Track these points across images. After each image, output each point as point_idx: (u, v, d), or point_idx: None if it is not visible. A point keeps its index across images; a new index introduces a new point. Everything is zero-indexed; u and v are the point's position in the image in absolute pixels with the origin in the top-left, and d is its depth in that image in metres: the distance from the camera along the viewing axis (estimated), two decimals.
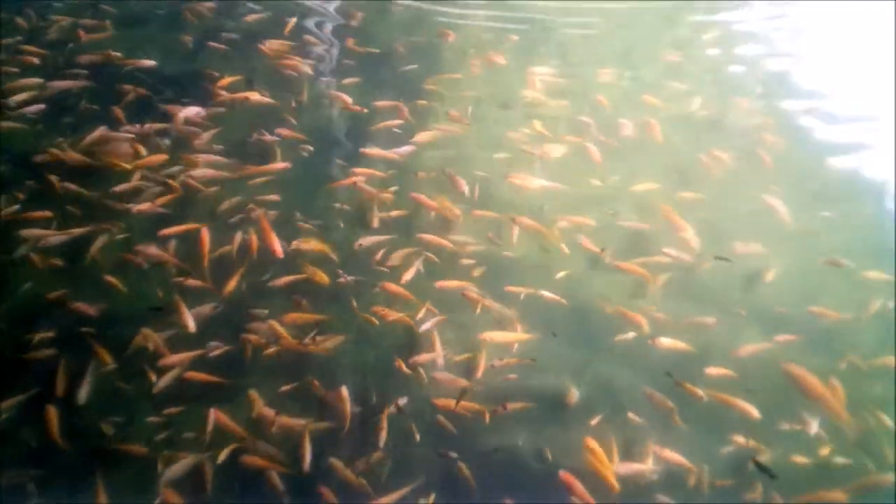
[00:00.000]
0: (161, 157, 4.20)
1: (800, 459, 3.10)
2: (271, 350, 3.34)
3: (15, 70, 4.84)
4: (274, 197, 4.11)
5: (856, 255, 3.90)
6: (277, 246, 3.69)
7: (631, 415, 3.23)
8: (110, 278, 3.58)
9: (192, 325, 3.36)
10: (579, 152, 4.54)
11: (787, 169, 4.54)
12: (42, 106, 4.57)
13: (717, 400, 3.23)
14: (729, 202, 4.28)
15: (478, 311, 3.59)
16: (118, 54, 5.06)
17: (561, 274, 3.78)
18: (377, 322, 3.49)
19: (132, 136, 4.33)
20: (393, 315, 3.50)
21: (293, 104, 4.79)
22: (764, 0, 6.52)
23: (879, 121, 5.02)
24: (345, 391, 3.20)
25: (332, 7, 6.12)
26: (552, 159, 4.50)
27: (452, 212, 4.06)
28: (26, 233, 3.75)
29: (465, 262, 3.83)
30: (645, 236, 4.03)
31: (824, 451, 3.11)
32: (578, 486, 2.89)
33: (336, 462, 3.00)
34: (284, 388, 3.22)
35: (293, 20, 5.62)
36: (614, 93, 5.12)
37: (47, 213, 3.85)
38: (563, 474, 2.94)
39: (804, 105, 5.16)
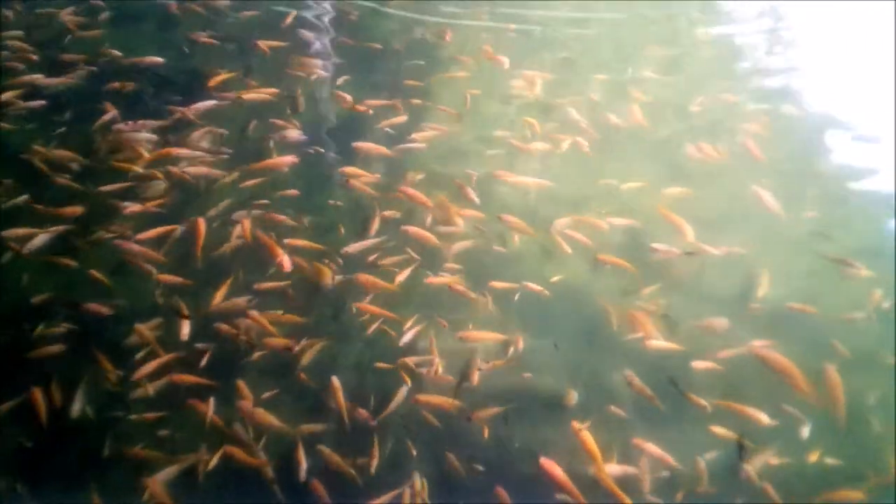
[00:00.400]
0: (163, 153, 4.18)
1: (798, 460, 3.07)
2: (258, 354, 3.31)
3: (11, 66, 4.84)
4: (293, 192, 4.12)
5: (853, 256, 3.84)
6: (286, 261, 3.60)
7: (613, 408, 3.20)
8: (95, 273, 3.56)
9: (186, 332, 3.32)
10: (572, 150, 4.52)
11: (780, 167, 4.50)
12: (42, 102, 4.57)
13: (723, 407, 3.18)
14: (724, 201, 4.26)
15: (469, 306, 3.56)
16: (118, 53, 5.05)
17: (556, 277, 3.74)
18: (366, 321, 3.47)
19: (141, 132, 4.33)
20: (377, 311, 3.48)
21: (290, 107, 4.75)
22: (763, 1, 6.50)
23: (878, 120, 4.98)
24: (336, 382, 3.19)
25: (327, 5, 6.12)
26: (545, 156, 4.48)
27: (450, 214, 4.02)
28: (8, 233, 3.73)
29: (452, 265, 3.79)
30: (641, 234, 3.99)
31: (813, 456, 3.07)
32: (559, 472, 2.87)
33: (325, 450, 3.00)
34: (269, 393, 3.20)
35: (290, 16, 5.63)
36: (610, 92, 5.10)
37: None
38: (545, 461, 2.91)
39: (802, 103, 5.16)
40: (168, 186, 4.04)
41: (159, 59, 5.02)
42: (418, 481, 2.93)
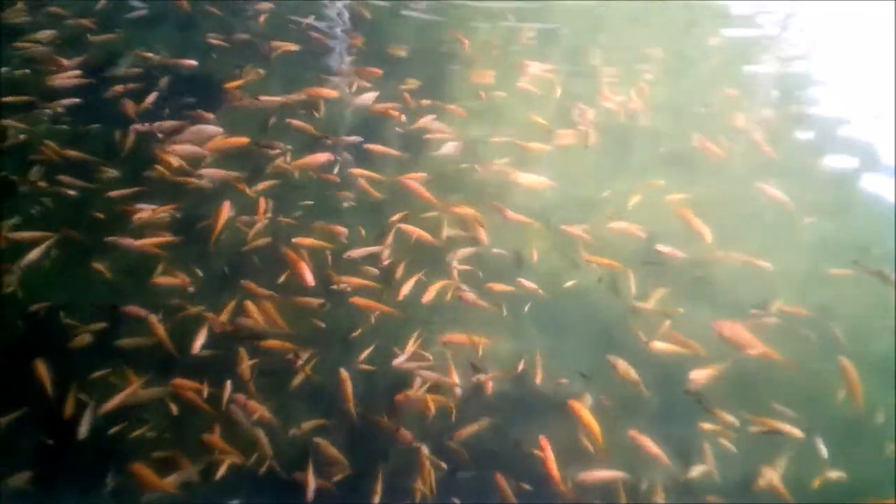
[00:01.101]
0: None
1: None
2: (251, 363, 3.28)
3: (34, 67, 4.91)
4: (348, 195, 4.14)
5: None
6: (308, 275, 3.57)
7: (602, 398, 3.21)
8: (97, 264, 3.61)
9: (198, 346, 3.29)
10: (583, 151, 4.54)
11: (784, 168, 4.49)
12: (76, 100, 4.65)
13: (757, 423, 3.16)
14: (731, 201, 4.24)
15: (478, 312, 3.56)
16: (149, 54, 5.12)
17: (570, 282, 3.74)
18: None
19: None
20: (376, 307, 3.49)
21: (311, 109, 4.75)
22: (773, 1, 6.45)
23: (881, 121, 4.96)
24: (344, 373, 3.23)
25: (343, 6, 6.14)
26: (557, 157, 4.50)
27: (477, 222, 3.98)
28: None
29: (460, 266, 3.79)
30: (651, 235, 3.97)
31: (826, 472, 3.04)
32: (549, 455, 2.95)
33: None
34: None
35: (308, 18, 5.67)
36: (623, 93, 5.06)
37: None
38: (543, 440, 3.00)
39: (806, 105, 5.16)
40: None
41: (193, 62, 5.05)
42: (425, 451, 2.99)
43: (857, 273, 3.76)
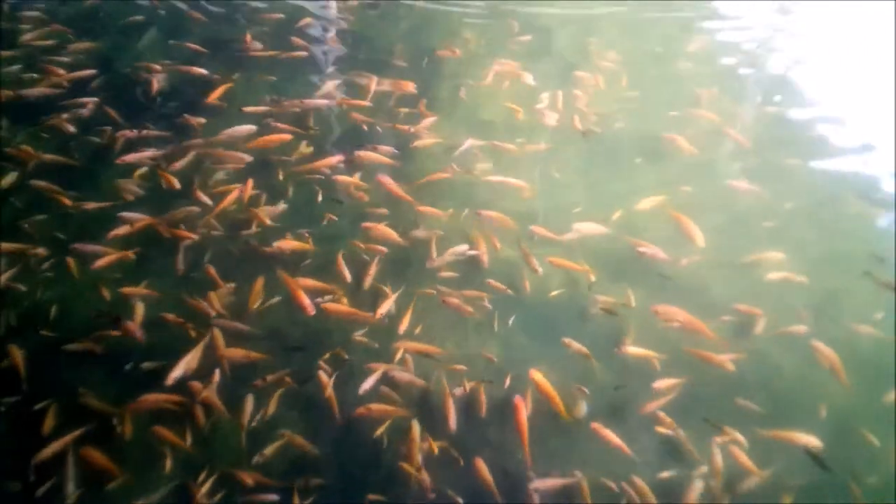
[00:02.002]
0: None
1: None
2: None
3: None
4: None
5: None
6: (307, 302, 3.47)
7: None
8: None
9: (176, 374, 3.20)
10: (567, 153, 4.56)
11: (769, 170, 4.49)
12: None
13: (772, 437, 3.13)
14: (707, 200, 4.24)
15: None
16: (156, 66, 5.08)
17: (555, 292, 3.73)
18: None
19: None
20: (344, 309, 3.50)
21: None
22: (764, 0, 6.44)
23: (878, 122, 4.96)
24: (324, 377, 3.24)
25: (332, 9, 6.13)
26: (541, 161, 4.49)
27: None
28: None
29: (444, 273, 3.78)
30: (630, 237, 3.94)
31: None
32: (522, 414, 3.05)
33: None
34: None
35: (302, 21, 5.68)
36: (606, 96, 5.05)
37: None
38: (517, 399, 3.11)
39: (799, 107, 5.14)
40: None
41: (204, 71, 5.01)
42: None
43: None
